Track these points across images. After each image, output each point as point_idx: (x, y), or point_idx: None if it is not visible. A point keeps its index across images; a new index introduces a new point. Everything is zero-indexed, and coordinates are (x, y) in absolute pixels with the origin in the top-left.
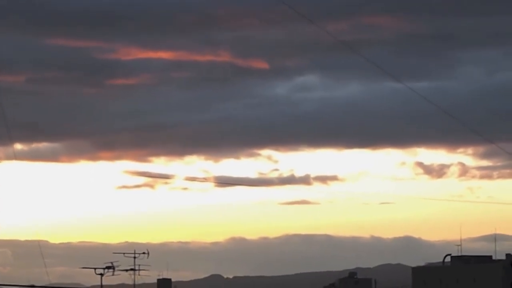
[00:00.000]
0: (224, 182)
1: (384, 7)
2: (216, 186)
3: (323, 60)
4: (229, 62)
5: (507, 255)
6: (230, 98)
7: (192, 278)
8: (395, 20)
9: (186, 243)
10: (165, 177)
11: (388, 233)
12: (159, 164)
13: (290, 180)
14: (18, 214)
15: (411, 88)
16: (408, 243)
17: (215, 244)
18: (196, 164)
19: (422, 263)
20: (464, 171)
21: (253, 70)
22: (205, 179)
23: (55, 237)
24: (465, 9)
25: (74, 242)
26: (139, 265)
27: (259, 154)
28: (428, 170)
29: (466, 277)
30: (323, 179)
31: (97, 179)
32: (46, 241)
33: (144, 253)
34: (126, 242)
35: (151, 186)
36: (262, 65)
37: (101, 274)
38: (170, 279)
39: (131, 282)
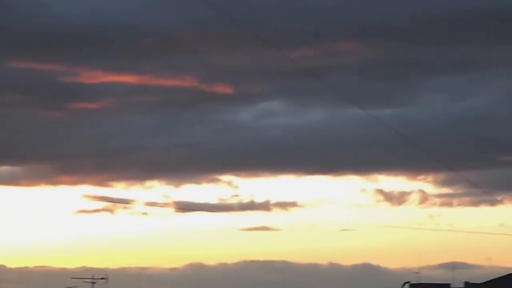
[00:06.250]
0: (184, 207)
1: (349, 33)
2: (176, 211)
3: (288, 86)
4: (194, 87)
5: (466, 283)
6: (194, 123)
7: None
8: (360, 46)
9: (144, 268)
10: (125, 202)
11: (347, 260)
12: (119, 188)
13: (250, 206)
14: None
15: (373, 115)
16: (367, 270)
17: (173, 269)
18: (157, 189)
19: None
20: (425, 198)
21: (218, 95)
22: (165, 204)
23: (12, 262)
24: (430, 36)
25: (31, 266)
26: None
27: (219, 180)
28: (389, 197)
29: None
30: (283, 205)
31: (57, 203)
32: (3, 266)
33: (102, 278)
34: (84, 267)
35: (110, 210)
36: (227, 90)
37: None
38: None
39: None
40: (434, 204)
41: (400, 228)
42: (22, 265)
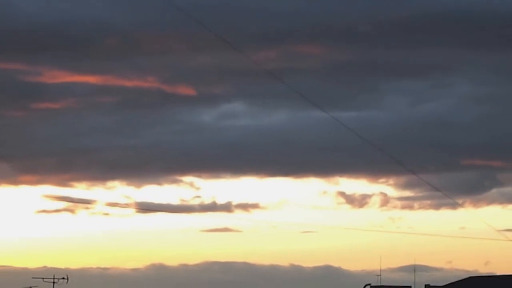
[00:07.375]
0: (145, 208)
1: (313, 36)
2: (137, 212)
3: (250, 88)
4: (155, 88)
5: (426, 285)
6: (155, 124)
7: None
8: (323, 49)
9: (105, 269)
10: (86, 202)
11: (308, 262)
12: (80, 189)
13: (212, 207)
14: None
15: (334, 117)
16: (328, 272)
17: (135, 270)
18: (118, 190)
19: None
20: (386, 201)
21: (180, 97)
22: (126, 205)
23: None
24: (393, 40)
25: None
26: None
27: (181, 181)
28: (350, 199)
29: None
30: (244, 206)
31: (17, 203)
32: None
33: (63, 278)
34: (45, 267)
35: (71, 211)
36: (189, 91)
37: None
38: None
39: None
40: (395, 207)
41: (361, 231)
42: None
